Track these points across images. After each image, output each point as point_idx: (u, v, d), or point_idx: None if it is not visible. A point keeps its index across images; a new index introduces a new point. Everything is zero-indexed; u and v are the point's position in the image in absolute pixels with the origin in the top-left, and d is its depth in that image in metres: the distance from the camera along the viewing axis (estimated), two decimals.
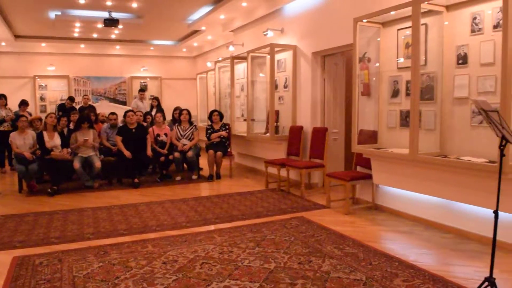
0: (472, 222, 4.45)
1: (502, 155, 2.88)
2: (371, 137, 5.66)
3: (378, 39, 5.52)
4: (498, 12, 4.04)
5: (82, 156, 7.31)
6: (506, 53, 3.65)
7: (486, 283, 2.93)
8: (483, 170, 3.93)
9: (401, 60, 5.19)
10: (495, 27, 4.13)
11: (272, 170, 7.47)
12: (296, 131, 7.44)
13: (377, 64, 5.57)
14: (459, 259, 3.95)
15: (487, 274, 2.98)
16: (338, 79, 7.39)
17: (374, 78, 5.67)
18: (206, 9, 9.67)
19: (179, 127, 8.49)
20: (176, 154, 8.11)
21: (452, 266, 3.81)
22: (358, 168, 5.98)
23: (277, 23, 8.20)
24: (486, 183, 3.91)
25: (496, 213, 2.92)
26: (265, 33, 8.15)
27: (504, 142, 2.85)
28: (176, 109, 9.52)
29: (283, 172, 7.11)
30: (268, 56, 7.94)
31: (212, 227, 5.08)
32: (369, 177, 5.59)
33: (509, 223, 4.02)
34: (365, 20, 5.38)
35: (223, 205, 6.17)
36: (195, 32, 12.10)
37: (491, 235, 3.00)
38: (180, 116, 8.64)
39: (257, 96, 8.83)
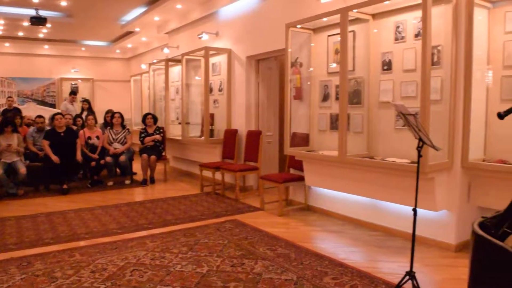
0: (397, 220, 4.67)
1: (419, 155, 3.05)
2: (303, 139, 5.79)
3: (312, 44, 5.67)
4: (418, 22, 4.29)
5: (5, 162, 6.88)
6: (425, 60, 3.89)
7: (407, 277, 3.10)
8: (404, 170, 4.15)
9: (334, 65, 5.36)
10: (416, 35, 4.39)
11: (207, 173, 7.43)
12: (231, 134, 7.46)
13: (311, 69, 5.72)
14: (385, 255, 4.14)
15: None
16: (272, 83, 7.51)
17: (308, 83, 5.80)
18: (140, 10, 9.48)
19: (111, 131, 8.23)
20: (108, 159, 7.85)
21: (378, 262, 3.99)
22: (292, 170, 6.10)
23: (212, 26, 8.19)
24: (408, 182, 4.11)
25: (415, 210, 3.10)
26: (200, 36, 8.10)
27: (421, 143, 3.02)
28: (108, 112, 9.21)
29: (218, 176, 7.10)
30: (203, 59, 7.91)
31: (144, 233, 4.96)
32: (301, 179, 5.71)
33: (429, 219, 4.27)
34: (299, 26, 5.51)
35: (156, 210, 6.05)
36: (129, 33, 11.83)
37: None
38: (112, 119, 8.39)
39: (192, 99, 8.76)
